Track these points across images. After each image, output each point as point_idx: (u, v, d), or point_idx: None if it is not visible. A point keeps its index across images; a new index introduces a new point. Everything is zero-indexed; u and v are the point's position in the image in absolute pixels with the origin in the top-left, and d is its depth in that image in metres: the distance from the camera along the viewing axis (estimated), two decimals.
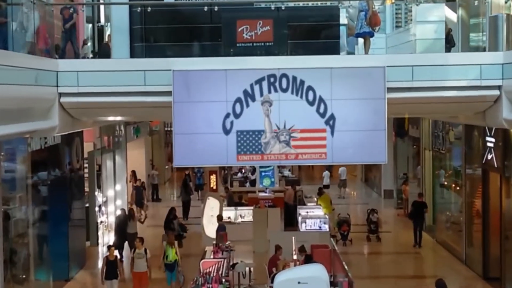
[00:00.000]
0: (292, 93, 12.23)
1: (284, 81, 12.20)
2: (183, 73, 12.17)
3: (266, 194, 26.20)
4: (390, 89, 12.32)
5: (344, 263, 15.84)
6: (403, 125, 28.19)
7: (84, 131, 20.82)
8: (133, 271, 17.03)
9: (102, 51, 15.82)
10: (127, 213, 21.64)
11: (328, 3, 16.81)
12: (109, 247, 17.07)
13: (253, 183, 31.21)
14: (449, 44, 15.77)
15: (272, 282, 13.47)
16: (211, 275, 14.44)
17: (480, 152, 18.84)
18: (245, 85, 12.21)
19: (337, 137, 12.31)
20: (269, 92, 12.24)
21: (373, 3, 13.91)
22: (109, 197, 24.95)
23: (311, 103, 12.25)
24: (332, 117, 12.29)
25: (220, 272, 15.02)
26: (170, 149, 39.51)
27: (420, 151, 25.81)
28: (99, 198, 23.78)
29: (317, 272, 11.20)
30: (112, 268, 16.47)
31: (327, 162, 12.63)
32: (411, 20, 16.54)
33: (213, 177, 28.88)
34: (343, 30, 14.96)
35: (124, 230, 20.75)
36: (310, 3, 14.88)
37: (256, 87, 12.22)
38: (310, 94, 12.23)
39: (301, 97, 12.24)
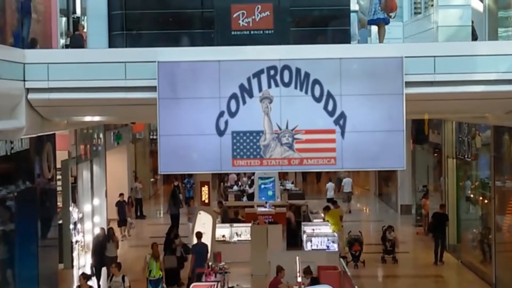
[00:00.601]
0: (295, 87, 12.04)
1: (286, 73, 12.01)
2: (170, 65, 11.98)
3: (266, 209, 25.91)
4: (409, 84, 12.14)
5: (356, 287, 15.59)
6: (422, 129, 27.97)
7: (57, 137, 20.63)
8: None
9: (74, 42, 15.52)
10: (106, 232, 21.20)
11: None
12: (82, 275, 16.44)
13: (251, 197, 30.97)
14: (472, 36, 15.61)
15: None
16: None
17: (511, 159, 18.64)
18: (241, 78, 12.02)
19: (348, 139, 12.12)
20: (269, 86, 12.05)
21: None
22: (85, 213, 24.69)
23: (318, 100, 12.06)
24: (342, 115, 12.09)
25: None
26: (156, 160, 39.58)
27: (442, 160, 25.59)
28: (74, 214, 23.50)
29: None
30: None
31: (336, 168, 12.43)
32: (432, 5, 16.36)
33: (205, 189, 28.54)
34: (354, 17, 14.74)
35: (103, 252, 20.39)
36: None
37: (254, 81, 12.03)
38: (317, 89, 12.03)
39: (306, 92, 12.04)
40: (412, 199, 30.93)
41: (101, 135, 26.45)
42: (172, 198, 28.60)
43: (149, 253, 18.11)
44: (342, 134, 12.11)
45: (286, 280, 16.41)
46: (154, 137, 39.40)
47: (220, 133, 12.09)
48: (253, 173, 31.53)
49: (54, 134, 20.05)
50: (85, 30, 15.68)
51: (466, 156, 22.75)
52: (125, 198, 28.21)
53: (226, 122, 12.09)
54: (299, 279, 16.07)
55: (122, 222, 26.97)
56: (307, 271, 16.34)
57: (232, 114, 12.08)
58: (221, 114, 12.07)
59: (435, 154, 27.37)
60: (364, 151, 12.19)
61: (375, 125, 12.11)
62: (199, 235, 19.83)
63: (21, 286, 17.44)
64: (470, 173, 22.96)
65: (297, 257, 17.00)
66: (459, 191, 24.09)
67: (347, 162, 12.22)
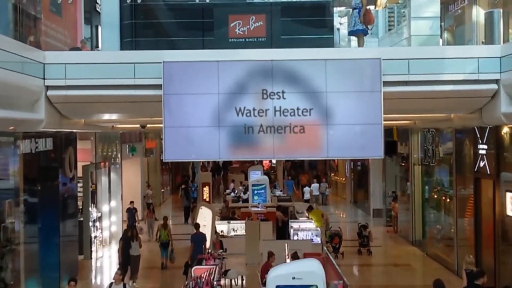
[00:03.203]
0: (286, 85, 11.21)
1: (278, 72, 11.16)
2: (173, 65, 11.17)
3: (259, 209, 25.02)
4: (386, 83, 11.41)
5: (338, 267, 14.57)
6: (391, 142, 26.97)
7: (79, 150, 19.86)
8: None
9: None
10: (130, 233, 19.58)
11: None
12: (71, 280, 12.97)
13: (245, 202, 29.96)
14: None
15: None
16: (203, 279, 13.17)
17: (471, 162, 17.75)
18: (237, 76, 11.19)
19: (333, 131, 11.34)
20: (263, 84, 11.22)
21: (366, 1, 12.97)
22: (103, 212, 23.64)
23: (307, 96, 11.25)
24: (328, 110, 11.27)
25: (212, 277, 13.75)
26: (165, 175, 38.33)
27: (409, 168, 24.68)
28: (94, 213, 22.45)
29: (312, 267, 9.99)
30: None
31: (322, 156, 11.56)
32: (405, 20, 15.60)
33: (206, 189, 27.53)
34: (336, 32, 13.97)
35: (128, 251, 18.95)
36: None
37: (249, 79, 11.20)
38: (305, 86, 11.25)
39: (296, 89, 11.25)
40: (383, 204, 29.99)
41: (119, 156, 25.60)
42: (185, 194, 30.02)
43: (161, 223, 20.34)
44: (327, 126, 11.29)
45: (276, 264, 15.41)
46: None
47: (219, 125, 11.21)
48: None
49: (76, 139, 19.19)
50: (86, 45, 14.79)
51: (430, 163, 21.86)
52: (135, 206, 26.75)
53: (224, 116, 11.24)
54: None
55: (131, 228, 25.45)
56: (294, 256, 15.38)
57: (229, 109, 11.23)
58: (219, 108, 11.22)
59: (403, 164, 26.46)
60: (347, 142, 11.39)
61: (356, 119, 11.34)
62: (197, 225, 18.88)
63: (45, 272, 16.55)
64: (434, 178, 22.05)
65: (286, 244, 16.04)
66: (424, 193, 23.18)
67: (332, 151, 11.40)
